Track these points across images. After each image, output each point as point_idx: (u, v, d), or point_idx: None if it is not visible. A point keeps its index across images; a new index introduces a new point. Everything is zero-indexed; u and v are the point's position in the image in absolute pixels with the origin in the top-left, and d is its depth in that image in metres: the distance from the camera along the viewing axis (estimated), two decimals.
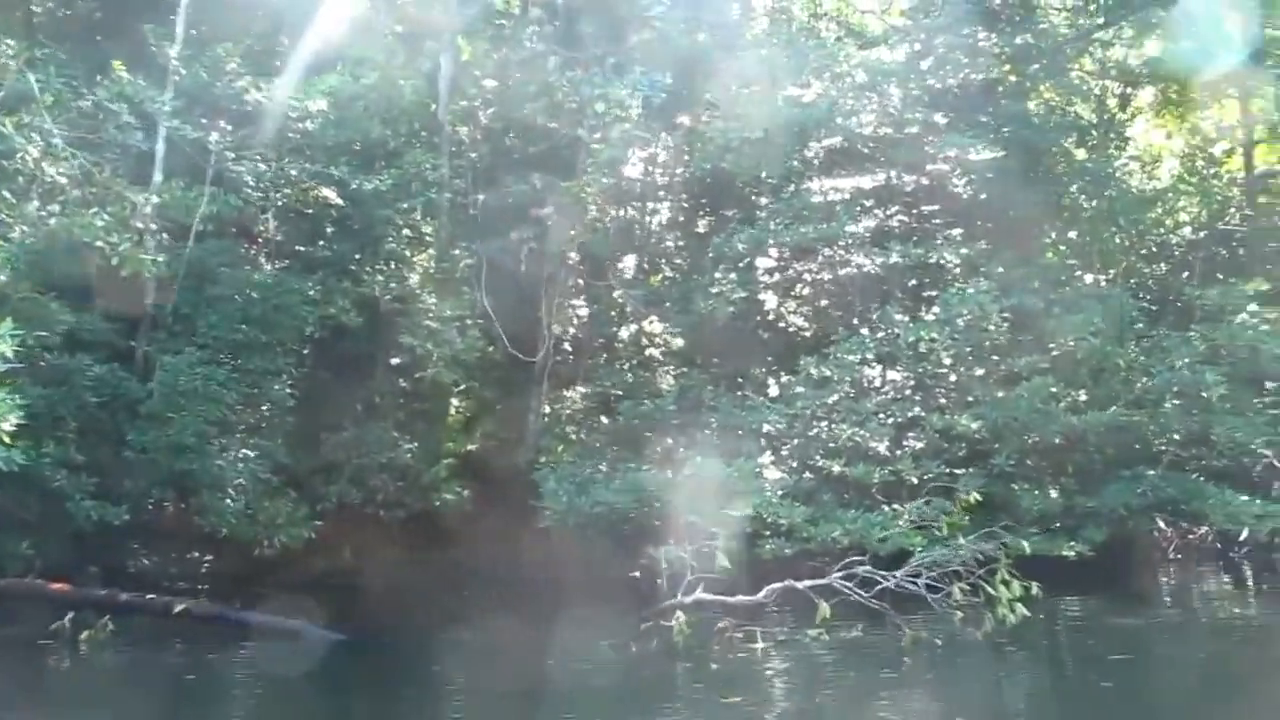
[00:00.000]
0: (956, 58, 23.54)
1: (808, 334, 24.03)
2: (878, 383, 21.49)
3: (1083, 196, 24.43)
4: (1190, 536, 23.04)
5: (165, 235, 18.35)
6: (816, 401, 20.07)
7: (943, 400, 20.98)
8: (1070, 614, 17.37)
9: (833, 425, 19.91)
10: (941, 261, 22.06)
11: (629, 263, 24.82)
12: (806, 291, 24.92)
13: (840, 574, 14.75)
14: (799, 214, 21.83)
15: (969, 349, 20.74)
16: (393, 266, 21.00)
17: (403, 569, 19.34)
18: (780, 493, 18.79)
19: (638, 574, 18.15)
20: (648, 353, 24.46)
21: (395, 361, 21.33)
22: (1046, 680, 13.89)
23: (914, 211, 24.19)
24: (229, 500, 17.59)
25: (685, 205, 25.20)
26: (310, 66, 19.93)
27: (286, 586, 17.05)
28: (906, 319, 21.08)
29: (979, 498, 17.36)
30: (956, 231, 23.40)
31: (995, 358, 21.11)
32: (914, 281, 23.15)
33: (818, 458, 19.77)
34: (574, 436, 22.39)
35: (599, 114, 21.10)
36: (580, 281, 23.69)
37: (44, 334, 15.93)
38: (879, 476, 18.94)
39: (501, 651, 15.03)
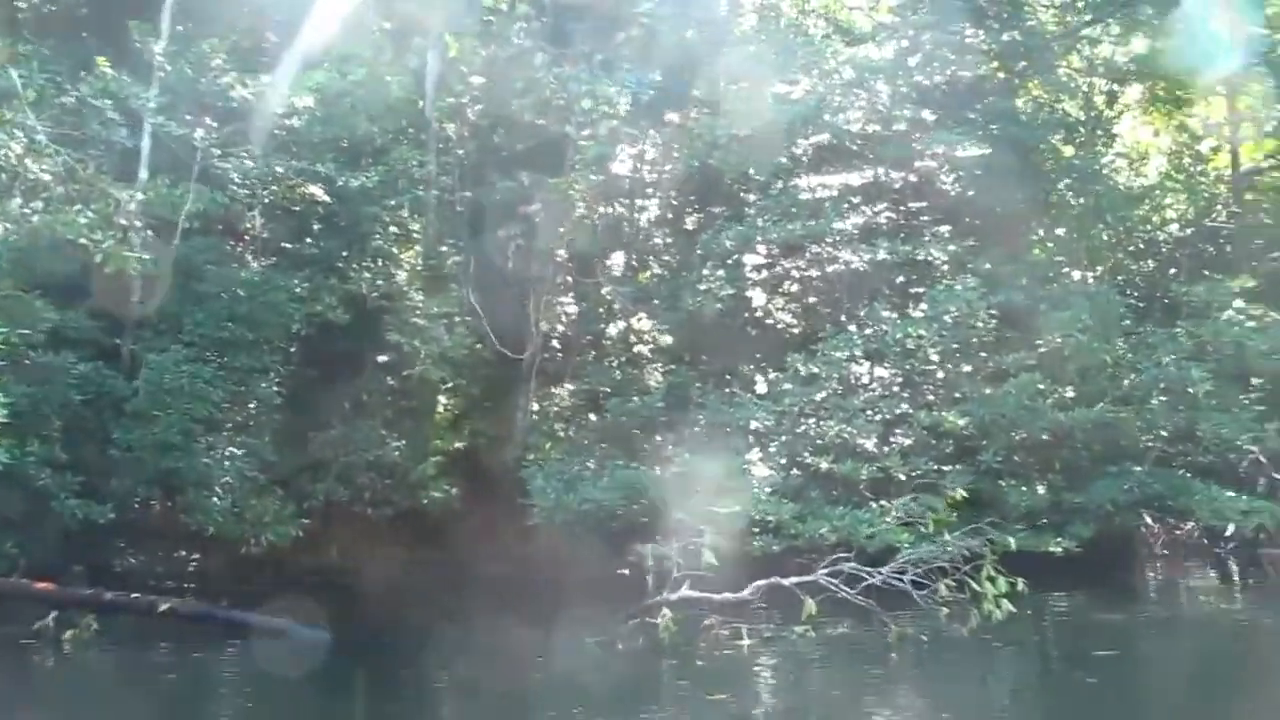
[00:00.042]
0: (944, 55, 23.61)
1: (796, 331, 24.06)
2: (865, 379, 21.52)
3: (1070, 193, 24.50)
4: (1177, 532, 23.09)
5: (151, 233, 18.24)
6: (804, 398, 20.10)
7: (930, 397, 21.05)
8: (1057, 610, 17.40)
9: (820, 422, 19.95)
10: (929, 258, 22.14)
11: (617, 260, 24.80)
12: (794, 288, 24.95)
13: (826, 571, 14.73)
14: (787, 211, 21.86)
15: (956, 346, 20.81)
16: (380, 264, 20.93)
17: (390, 567, 19.33)
18: (768, 490, 18.85)
19: (626, 571, 18.15)
20: (636, 350, 24.41)
21: (383, 359, 21.27)
22: (1032, 676, 13.88)
23: (902, 208, 24.21)
24: (216, 499, 17.57)
25: (674, 202, 25.17)
26: (298, 63, 19.88)
27: (274, 585, 16.98)
28: (894, 316, 21.16)
29: (965, 494, 17.41)
30: (944, 228, 23.43)
31: (983, 354, 21.18)
32: (902, 278, 23.15)
33: (806, 454, 19.80)
34: (562, 434, 22.39)
35: (587, 111, 21.10)
36: (568, 279, 23.66)
37: (28, 332, 15.92)
38: (867, 473, 18.99)
39: (489, 649, 14.98)
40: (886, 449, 19.87)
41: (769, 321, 24.86)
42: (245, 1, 20.74)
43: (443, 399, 23.63)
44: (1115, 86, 26.57)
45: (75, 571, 16.48)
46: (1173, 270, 24.72)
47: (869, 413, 20.13)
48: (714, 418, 20.36)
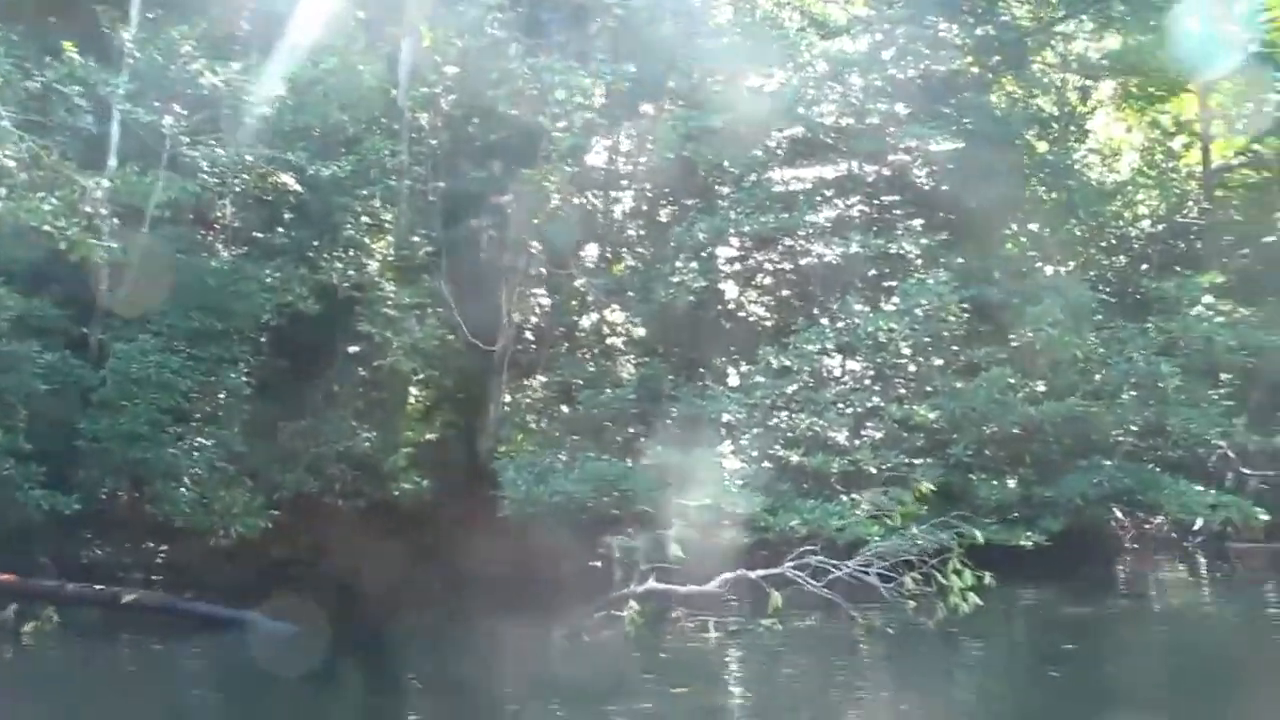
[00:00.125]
0: (919, 49, 23.66)
1: (768, 323, 24.08)
2: (837, 372, 21.57)
3: (1043, 189, 24.64)
4: (1146, 526, 23.28)
5: (118, 221, 18.05)
6: (776, 391, 20.11)
7: (902, 390, 21.10)
8: (1025, 603, 17.50)
9: (792, 415, 19.96)
10: (902, 252, 22.17)
11: (591, 251, 24.67)
12: (767, 281, 24.99)
13: (792, 563, 14.75)
14: (760, 203, 21.84)
15: (928, 339, 20.86)
16: (351, 254, 20.70)
17: (361, 559, 19.20)
18: (739, 482, 18.80)
19: (598, 564, 18.15)
20: (609, 342, 24.35)
21: (354, 350, 21.13)
22: (997, 668, 13.97)
23: (875, 202, 24.25)
24: (183, 490, 17.38)
25: (648, 194, 25.10)
26: (270, 50, 19.72)
27: (242, 577, 16.90)
28: (866, 309, 21.18)
29: (933, 488, 17.46)
30: (917, 222, 23.47)
31: (954, 348, 21.28)
32: (874, 272, 23.17)
33: (777, 447, 19.78)
34: (534, 425, 22.35)
35: (561, 102, 20.92)
36: (541, 270, 23.50)
37: None
38: (838, 466, 18.98)
39: (457, 641, 14.97)
40: (858, 442, 19.89)
41: (741, 314, 24.85)
42: None
43: (414, 390, 23.52)
44: (1089, 82, 26.74)
45: (41, 563, 16.34)
46: (1144, 266, 24.90)
47: (840, 406, 20.14)
48: (686, 410, 20.33)
